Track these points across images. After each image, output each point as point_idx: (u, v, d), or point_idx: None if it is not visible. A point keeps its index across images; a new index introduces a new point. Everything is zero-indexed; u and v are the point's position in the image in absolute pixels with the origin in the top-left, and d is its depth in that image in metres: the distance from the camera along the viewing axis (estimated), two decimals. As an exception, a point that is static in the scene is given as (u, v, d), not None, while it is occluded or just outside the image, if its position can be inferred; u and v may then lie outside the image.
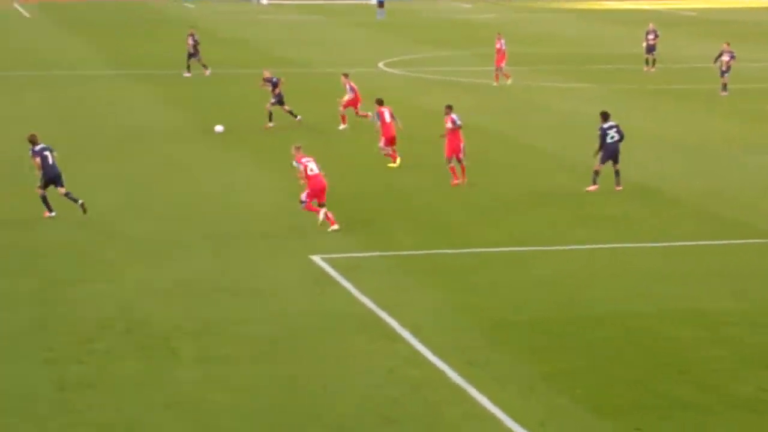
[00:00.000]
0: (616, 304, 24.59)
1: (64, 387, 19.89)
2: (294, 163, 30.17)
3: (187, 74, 59.74)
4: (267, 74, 45.04)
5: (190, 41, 59.81)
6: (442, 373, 20.67)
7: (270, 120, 44.63)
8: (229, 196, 34.01)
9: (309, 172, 29.85)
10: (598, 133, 34.26)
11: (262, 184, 35.80)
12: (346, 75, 44.70)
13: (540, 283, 25.94)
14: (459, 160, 35.06)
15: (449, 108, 35.19)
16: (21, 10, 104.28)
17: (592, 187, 34.20)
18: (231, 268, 27.06)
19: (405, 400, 19.54)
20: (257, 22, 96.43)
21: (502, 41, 57.40)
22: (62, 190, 31.03)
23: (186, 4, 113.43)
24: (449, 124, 34.87)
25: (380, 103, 38.36)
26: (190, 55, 59.90)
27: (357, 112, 44.18)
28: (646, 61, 63.72)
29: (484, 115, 47.31)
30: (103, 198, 33.48)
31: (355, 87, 44.26)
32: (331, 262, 27.25)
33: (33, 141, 31.51)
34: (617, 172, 34.23)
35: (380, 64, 66.21)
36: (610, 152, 34.10)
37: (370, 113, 40.78)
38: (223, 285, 25.74)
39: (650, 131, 44.27)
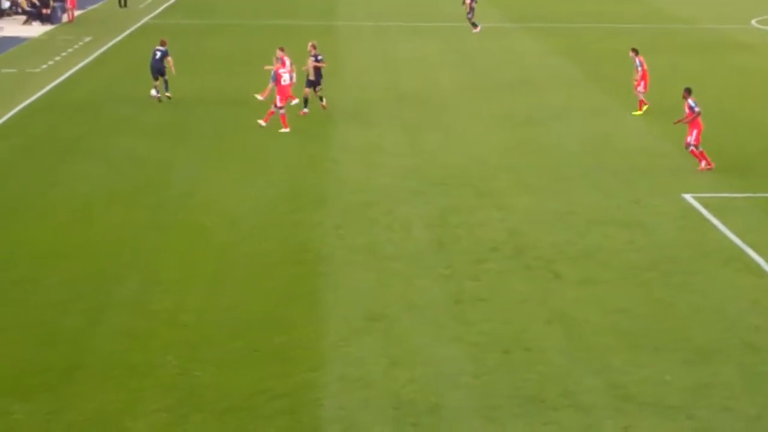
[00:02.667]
0: None
1: (460, 300, 20.59)
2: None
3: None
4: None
5: None
6: (804, 306, 20.24)
7: None
8: (610, 139, 33.91)
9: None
10: None
11: (640, 128, 35.53)
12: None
13: None
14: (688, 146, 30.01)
15: (687, 91, 30.15)
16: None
17: None
18: (610, 201, 27.14)
19: (769, 328, 19.30)
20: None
21: None
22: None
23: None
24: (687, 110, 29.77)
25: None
26: None
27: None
28: None
29: None
30: (490, 136, 34.13)
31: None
32: (703, 201, 26.91)
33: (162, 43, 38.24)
34: None
35: (753, 21, 64.12)
36: None
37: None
38: (603, 216, 25.87)
39: None
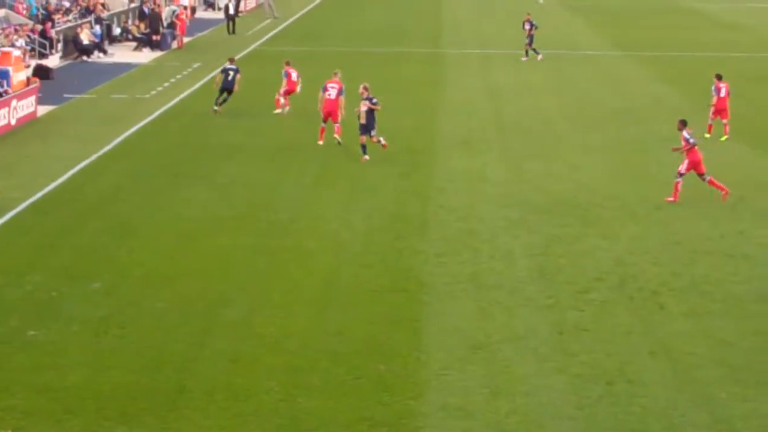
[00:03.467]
0: None
1: (563, 330, 20.45)
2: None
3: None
4: None
5: None
6: None
7: None
8: (715, 168, 33.40)
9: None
10: None
11: (745, 157, 35.09)
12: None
13: None
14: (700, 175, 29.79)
15: (682, 123, 29.90)
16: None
17: None
18: (715, 231, 26.81)
19: None
20: (749, 9, 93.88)
21: None
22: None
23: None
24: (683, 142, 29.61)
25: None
26: None
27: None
28: None
29: None
30: (594, 164, 33.93)
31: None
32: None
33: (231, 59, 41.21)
34: None
35: None
36: None
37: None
38: (708, 247, 25.57)
39: None
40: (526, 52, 57.12)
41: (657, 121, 40.97)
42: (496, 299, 21.94)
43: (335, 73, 36.46)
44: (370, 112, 33.47)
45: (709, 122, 38.15)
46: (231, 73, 40.48)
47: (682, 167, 29.55)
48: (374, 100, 33.49)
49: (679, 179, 29.47)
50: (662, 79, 51.22)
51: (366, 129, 33.64)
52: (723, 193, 29.60)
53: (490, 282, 22.98)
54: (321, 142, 35.80)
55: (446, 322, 20.68)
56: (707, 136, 37.66)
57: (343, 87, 35.49)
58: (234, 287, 22.45)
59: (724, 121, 37.91)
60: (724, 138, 37.62)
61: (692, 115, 40.83)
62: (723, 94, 37.79)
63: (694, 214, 28.29)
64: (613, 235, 26.46)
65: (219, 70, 42.17)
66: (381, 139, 34.01)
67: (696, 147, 29.54)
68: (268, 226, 26.95)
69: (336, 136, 35.24)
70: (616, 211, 28.58)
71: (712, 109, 37.95)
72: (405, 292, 22.34)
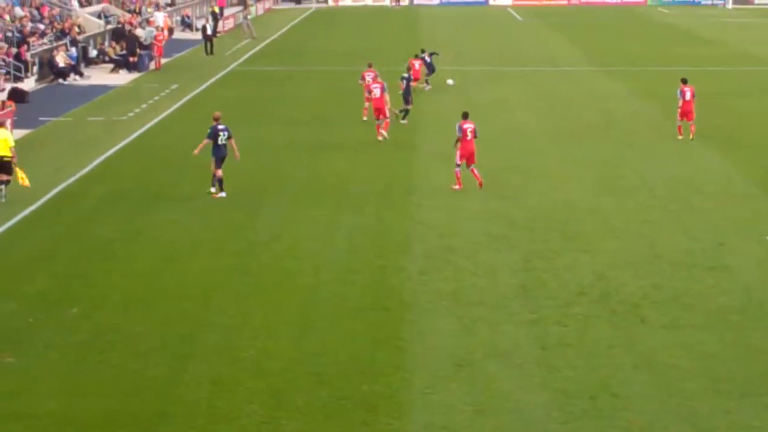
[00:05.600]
0: None
1: (546, 346, 20.36)
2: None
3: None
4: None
5: None
6: None
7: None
8: (695, 180, 33.58)
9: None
10: None
11: (724, 169, 35.18)
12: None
13: None
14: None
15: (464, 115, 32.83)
16: (514, 14, 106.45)
17: None
18: (695, 244, 26.83)
19: None
20: (725, 24, 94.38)
21: None
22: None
23: (660, 9, 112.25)
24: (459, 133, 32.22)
25: None
26: None
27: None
28: None
29: None
30: (574, 179, 33.95)
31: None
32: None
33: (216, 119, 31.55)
34: None
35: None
36: None
37: None
38: (689, 260, 25.56)
39: None
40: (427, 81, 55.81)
41: (636, 135, 41.05)
42: (479, 315, 21.86)
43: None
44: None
45: (678, 124, 39.49)
46: (222, 135, 31.42)
47: (457, 158, 32.06)
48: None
49: (457, 169, 32.05)
50: (640, 94, 51.34)
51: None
52: (478, 182, 31.95)
53: (473, 298, 22.92)
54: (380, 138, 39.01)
55: (430, 340, 20.60)
56: (680, 137, 39.10)
57: (385, 85, 38.99)
58: (214, 310, 22.33)
59: (690, 122, 39.16)
60: (691, 138, 39.00)
61: (668, 127, 41.09)
62: (688, 97, 39.07)
63: (674, 227, 28.31)
64: (594, 249, 26.44)
65: (207, 136, 31.65)
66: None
67: (468, 139, 31.94)
68: (248, 246, 26.84)
69: (383, 132, 38.52)
70: (597, 225, 28.58)
71: (679, 111, 39.24)
72: (388, 310, 22.25)
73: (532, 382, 18.72)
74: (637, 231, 28.01)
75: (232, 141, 31.59)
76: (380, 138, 39.16)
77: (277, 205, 30.91)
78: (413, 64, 48.99)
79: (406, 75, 43.96)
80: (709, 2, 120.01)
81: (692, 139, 38.93)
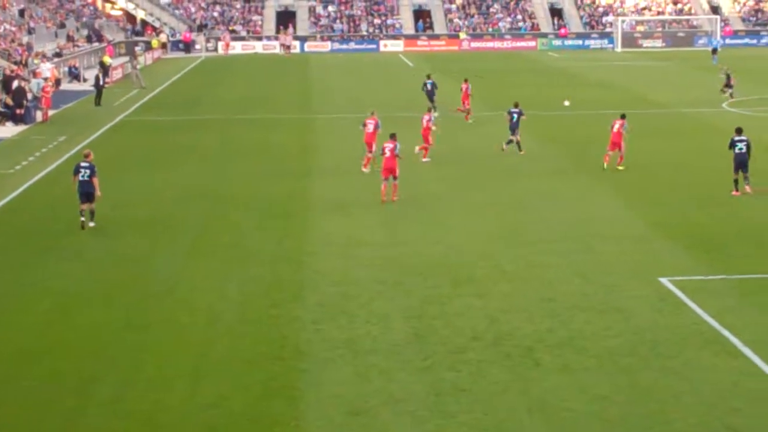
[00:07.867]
0: None
1: (440, 392, 20.64)
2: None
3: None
4: None
5: None
6: (785, 387, 20.40)
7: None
8: (592, 223, 34.21)
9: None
10: None
11: (620, 212, 35.90)
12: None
13: None
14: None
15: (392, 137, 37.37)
16: (405, 59, 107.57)
17: None
18: (588, 286, 27.37)
19: (748, 410, 19.42)
20: (615, 67, 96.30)
21: None
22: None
23: (550, 53, 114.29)
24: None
25: None
26: None
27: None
28: None
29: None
30: (471, 224, 34.44)
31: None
32: (679, 284, 27.17)
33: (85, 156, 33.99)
34: None
35: (724, 105, 65.06)
36: None
37: None
38: (582, 303, 26.09)
39: None
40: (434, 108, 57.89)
41: (537, 179, 41.75)
42: (373, 363, 22.10)
43: (372, 112, 44.50)
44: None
45: (606, 153, 42.89)
46: (85, 172, 33.67)
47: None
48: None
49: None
50: (540, 138, 52.10)
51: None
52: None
53: (367, 346, 23.15)
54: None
55: (324, 389, 20.77)
56: (605, 166, 42.63)
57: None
58: (105, 363, 22.28)
59: (619, 152, 42.67)
60: (621, 167, 42.32)
61: (571, 172, 41.87)
62: (615, 129, 42.71)
63: (568, 271, 28.83)
64: (487, 293, 26.85)
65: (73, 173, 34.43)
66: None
67: (387, 156, 36.38)
68: (141, 299, 26.82)
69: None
70: (489, 270, 29.00)
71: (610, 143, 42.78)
72: (281, 360, 22.39)
73: (426, 428, 18.96)
74: (530, 275, 28.43)
75: (95, 179, 33.57)
76: (365, 170, 42.55)
77: (170, 256, 30.93)
78: (462, 88, 55.19)
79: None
80: (599, 46, 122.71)
81: (622, 168, 42.25)
